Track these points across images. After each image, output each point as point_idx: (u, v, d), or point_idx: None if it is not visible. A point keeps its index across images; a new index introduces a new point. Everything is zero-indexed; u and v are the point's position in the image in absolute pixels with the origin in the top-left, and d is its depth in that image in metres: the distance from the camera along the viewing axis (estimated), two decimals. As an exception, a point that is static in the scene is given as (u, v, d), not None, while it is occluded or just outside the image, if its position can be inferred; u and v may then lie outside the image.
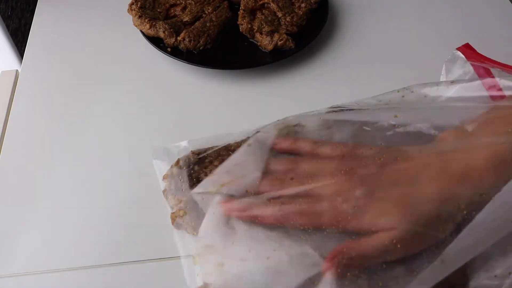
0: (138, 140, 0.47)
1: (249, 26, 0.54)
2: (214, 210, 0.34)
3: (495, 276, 0.31)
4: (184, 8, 0.56)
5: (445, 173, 0.31)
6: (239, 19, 0.55)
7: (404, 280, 0.30)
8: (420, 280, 0.30)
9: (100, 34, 0.59)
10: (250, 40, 0.55)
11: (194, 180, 0.37)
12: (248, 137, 0.38)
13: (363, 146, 0.34)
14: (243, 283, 0.31)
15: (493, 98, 0.36)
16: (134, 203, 0.41)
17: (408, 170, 0.32)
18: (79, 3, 0.63)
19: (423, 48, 0.56)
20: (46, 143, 0.47)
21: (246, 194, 0.34)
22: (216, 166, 0.37)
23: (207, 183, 0.35)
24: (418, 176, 0.31)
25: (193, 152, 0.40)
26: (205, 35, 0.53)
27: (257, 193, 0.34)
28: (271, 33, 0.53)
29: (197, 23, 0.54)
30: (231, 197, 0.34)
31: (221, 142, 0.40)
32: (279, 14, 0.55)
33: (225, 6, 0.57)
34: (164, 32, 0.52)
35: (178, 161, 0.39)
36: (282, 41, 0.52)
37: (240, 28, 0.55)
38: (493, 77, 0.37)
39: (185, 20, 0.55)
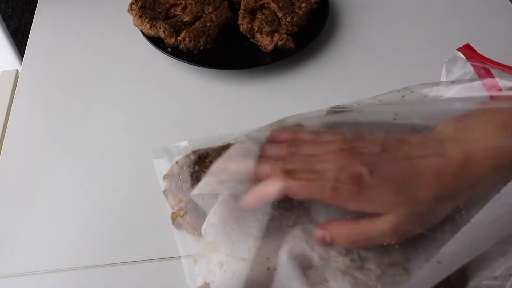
0: (138, 140, 0.47)
1: (249, 26, 0.54)
2: (215, 210, 0.34)
3: (495, 277, 0.31)
4: (184, 8, 0.56)
5: (442, 163, 0.31)
6: (239, 19, 0.55)
7: (401, 279, 0.30)
8: (417, 281, 0.30)
9: (100, 34, 0.59)
10: (250, 40, 0.55)
11: (195, 179, 0.38)
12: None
13: (364, 134, 0.34)
14: (244, 283, 0.31)
15: (493, 98, 0.36)
16: (134, 203, 0.41)
17: (407, 156, 0.32)
18: (79, 3, 0.63)
19: (423, 48, 0.56)
20: (46, 143, 0.47)
21: (247, 183, 0.34)
22: None
23: (204, 184, 0.35)
24: (418, 163, 0.31)
25: (193, 152, 0.40)
26: (205, 35, 0.53)
27: (258, 176, 0.33)
28: (271, 33, 0.53)
29: (197, 23, 0.54)
30: (238, 195, 0.34)
31: (221, 142, 0.40)
32: (279, 14, 0.55)
33: (225, 6, 0.57)
34: (164, 32, 0.52)
35: (178, 161, 0.39)
36: (282, 41, 0.52)
37: (240, 28, 0.55)
38: (493, 77, 0.37)
39: (185, 20, 0.55)
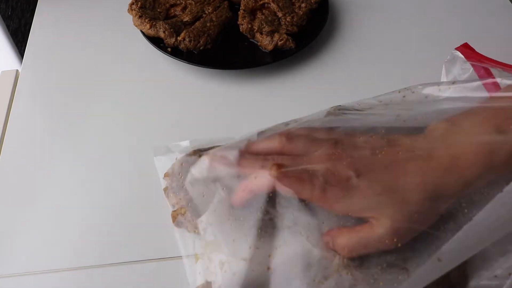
0: (138, 140, 0.47)
1: (249, 26, 0.54)
2: (214, 208, 0.34)
3: (495, 276, 0.31)
4: (184, 8, 0.56)
5: (430, 164, 0.31)
6: (239, 19, 0.55)
7: (403, 277, 0.30)
8: (416, 278, 0.30)
9: (100, 34, 0.59)
10: (250, 40, 0.55)
11: None
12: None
13: (356, 136, 0.34)
14: (245, 283, 0.31)
15: (492, 98, 0.36)
16: (134, 203, 0.41)
17: (396, 158, 0.32)
18: (79, 3, 0.63)
19: (423, 48, 0.56)
20: (46, 143, 0.47)
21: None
22: None
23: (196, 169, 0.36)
24: (406, 165, 0.31)
25: (194, 151, 0.40)
26: (205, 35, 0.53)
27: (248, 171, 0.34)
28: (271, 33, 0.53)
29: (197, 23, 0.54)
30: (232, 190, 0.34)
31: (223, 143, 0.40)
32: (279, 14, 0.55)
33: (225, 6, 0.57)
34: (164, 32, 0.52)
35: (179, 159, 0.39)
36: (282, 41, 0.52)
37: (240, 28, 0.55)
38: (493, 77, 0.37)
39: (185, 20, 0.55)
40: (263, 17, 0.55)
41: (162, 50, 0.53)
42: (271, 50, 0.53)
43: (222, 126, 0.48)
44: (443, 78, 0.43)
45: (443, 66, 0.44)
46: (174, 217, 0.37)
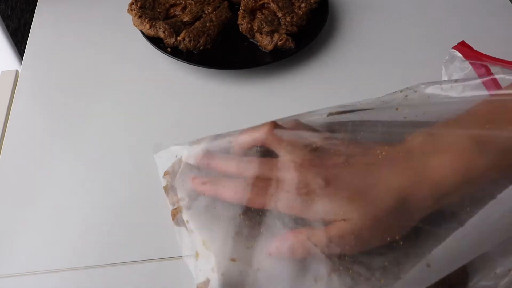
0: (138, 140, 0.47)
1: (249, 26, 0.54)
2: (205, 203, 0.34)
3: (495, 275, 0.31)
4: (184, 8, 0.56)
5: (404, 173, 0.31)
6: (239, 19, 0.55)
7: (404, 276, 0.30)
8: (403, 284, 0.29)
9: (100, 34, 0.59)
10: (250, 40, 0.55)
11: None
12: None
13: (333, 144, 0.34)
14: (233, 282, 0.31)
15: (492, 96, 0.36)
16: (134, 203, 0.41)
17: (369, 165, 0.32)
18: (79, 3, 0.63)
19: (423, 48, 0.56)
20: (46, 143, 0.47)
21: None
22: None
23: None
24: (378, 172, 0.31)
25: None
26: (205, 35, 0.53)
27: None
28: (271, 33, 0.53)
29: (197, 23, 0.54)
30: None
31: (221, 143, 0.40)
32: (279, 14, 0.55)
33: (225, 6, 0.57)
34: (164, 32, 0.52)
35: (179, 158, 0.39)
36: (282, 41, 0.52)
37: (240, 28, 0.55)
38: (492, 75, 0.37)
39: (185, 20, 0.55)
40: (263, 17, 0.55)
41: (162, 50, 0.53)
42: (271, 50, 0.53)
43: (222, 126, 0.47)
44: (444, 78, 0.43)
45: (443, 66, 0.44)
46: (174, 215, 0.37)
